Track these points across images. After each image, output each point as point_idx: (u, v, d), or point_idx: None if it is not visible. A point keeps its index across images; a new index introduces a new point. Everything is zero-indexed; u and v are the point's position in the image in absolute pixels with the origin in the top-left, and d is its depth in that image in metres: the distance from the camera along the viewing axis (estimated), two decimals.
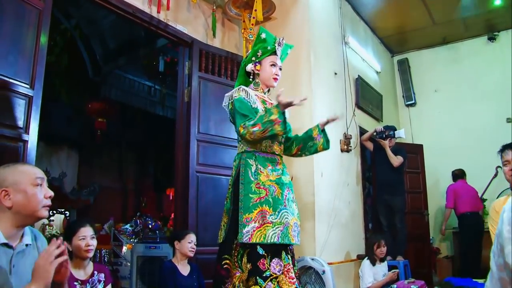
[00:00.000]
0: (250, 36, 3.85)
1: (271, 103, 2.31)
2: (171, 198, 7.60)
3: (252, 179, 2.11)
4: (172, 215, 5.11)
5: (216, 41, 4.05)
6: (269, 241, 2.00)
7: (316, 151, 2.39)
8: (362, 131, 4.69)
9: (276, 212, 2.06)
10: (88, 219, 2.54)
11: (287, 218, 2.08)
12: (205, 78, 3.71)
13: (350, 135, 4.27)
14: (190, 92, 3.59)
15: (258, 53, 2.32)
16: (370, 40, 5.58)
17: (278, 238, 2.02)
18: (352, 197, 4.33)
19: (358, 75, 4.76)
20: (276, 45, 2.33)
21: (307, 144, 2.36)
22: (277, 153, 2.26)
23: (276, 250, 2.05)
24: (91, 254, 2.17)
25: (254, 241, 2.00)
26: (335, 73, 4.26)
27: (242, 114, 2.15)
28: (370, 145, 4.59)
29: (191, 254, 2.85)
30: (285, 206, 2.11)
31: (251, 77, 2.38)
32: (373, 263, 3.71)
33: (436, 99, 6.18)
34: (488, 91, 5.71)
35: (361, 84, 4.73)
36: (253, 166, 2.15)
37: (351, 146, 4.27)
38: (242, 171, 2.14)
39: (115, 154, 8.39)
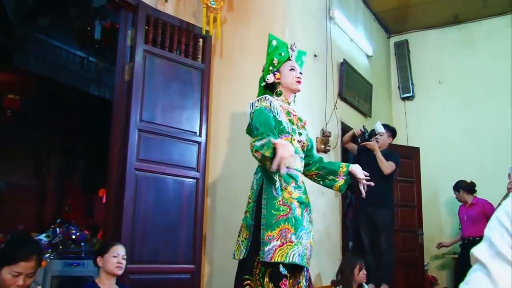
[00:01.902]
0: (211, 2, 3.99)
1: (295, 115, 2.81)
2: (104, 200, 7.62)
3: (276, 195, 2.53)
4: None
5: (168, 6, 4.11)
6: (290, 261, 2.41)
7: (329, 187, 2.88)
8: (345, 128, 4.89)
9: (298, 232, 2.49)
10: (36, 246, 2.43)
11: (304, 239, 2.51)
12: (152, 53, 3.79)
13: (329, 132, 4.48)
14: (132, 69, 3.66)
15: (274, 62, 2.82)
16: (361, 16, 5.79)
17: (298, 258, 2.45)
18: (329, 207, 4.54)
19: (344, 59, 4.98)
20: (290, 50, 2.86)
21: (327, 176, 2.84)
22: (299, 169, 2.71)
23: (297, 270, 2.53)
24: None
25: (275, 260, 2.40)
26: (315, 55, 4.46)
27: (255, 127, 2.56)
28: (353, 147, 4.82)
29: (118, 272, 2.89)
30: (304, 226, 2.55)
31: (275, 89, 2.83)
32: None
33: (439, 92, 6.45)
34: (505, 85, 5.92)
35: (346, 70, 4.95)
36: (277, 182, 2.55)
37: (329, 146, 4.47)
38: (265, 185, 2.56)
39: (32, 142, 8.30)
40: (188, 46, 4.07)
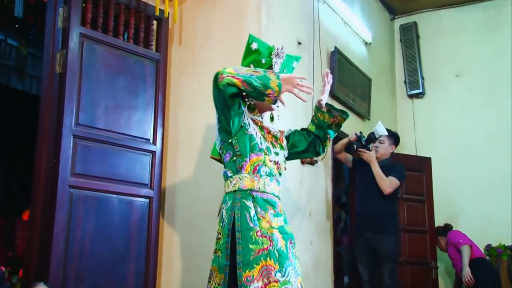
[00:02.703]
0: None
1: (269, 131, 2.89)
2: None
3: (252, 225, 2.61)
4: None
5: None
6: None
7: (340, 127, 3.13)
8: (337, 134, 4.97)
9: (284, 268, 2.56)
10: None
11: (293, 277, 2.57)
12: (92, 38, 3.81)
13: None
14: (66, 59, 3.65)
15: None
16: None
17: None
18: (317, 233, 4.61)
19: (335, 47, 5.07)
20: (273, 57, 2.89)
21: (330, 129, 3.07)
22: (276, 194, 2.80)
23: None
24: None
25: None
26: (299, 43, 4.54)
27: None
28: (346, 158, 4.91)
29: None
30: (290, 262, 2.62)
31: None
32: None
33: (457, 88, 6.57)
34: None
35: (338, 61, 5.03)
36: (251, 209, 2.64)
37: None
38: (237, 215, 2.63)
39: None
40: (138, 30, 4.09)
